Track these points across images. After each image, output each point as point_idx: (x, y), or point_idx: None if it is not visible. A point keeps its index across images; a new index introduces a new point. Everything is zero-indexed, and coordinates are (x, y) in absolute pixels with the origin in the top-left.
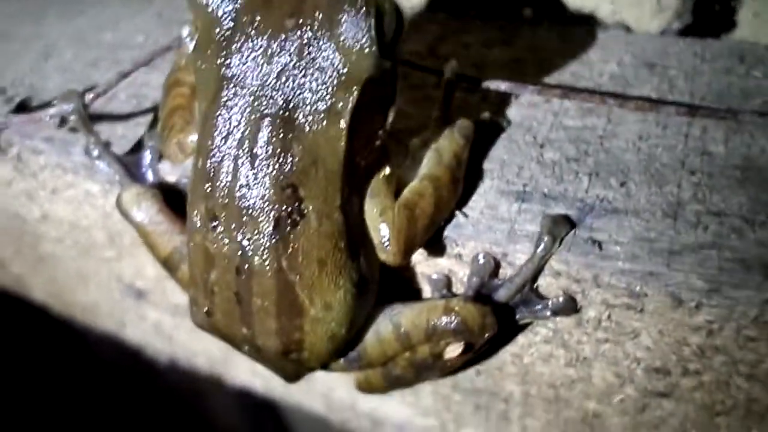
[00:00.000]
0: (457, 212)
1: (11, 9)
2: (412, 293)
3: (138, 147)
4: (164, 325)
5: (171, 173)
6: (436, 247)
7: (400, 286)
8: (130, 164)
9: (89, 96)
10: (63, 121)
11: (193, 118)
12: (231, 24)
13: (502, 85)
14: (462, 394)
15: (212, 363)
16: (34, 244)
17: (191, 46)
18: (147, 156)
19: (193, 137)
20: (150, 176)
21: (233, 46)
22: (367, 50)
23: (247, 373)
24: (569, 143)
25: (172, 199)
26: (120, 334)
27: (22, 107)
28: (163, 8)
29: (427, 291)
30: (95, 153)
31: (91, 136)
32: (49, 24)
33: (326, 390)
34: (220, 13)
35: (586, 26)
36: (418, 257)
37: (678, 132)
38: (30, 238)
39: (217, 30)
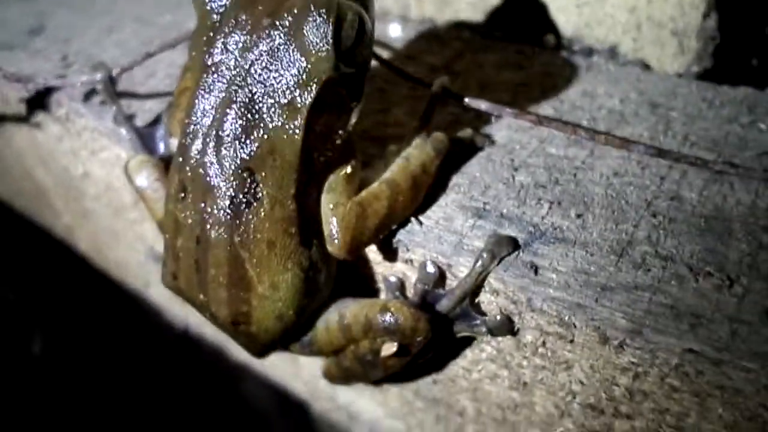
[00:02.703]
0: (413, 218)
1: None
2: (370, 292)
3: (156, 121)
4: None
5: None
6: (390, 249)
7: (360, 283)
8: (146, 136)
9: (116, 70)
10: (91, 93)
11: None
12: (218, 18)
13: (482, 105)
14: (423, 402)
15: (217, 334)
16: (78, 198)
17: None
18: (160, 131)
19: None
20: (161, 148)
21: (217, 38)
22: (324, 54)
23: None
24: (543, 170)
25: None
26: (144, 294)
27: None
28: None
29: (383, 291)
30: (119, 122)
31: (115, 107)
32: (119, 1)
33: (310, 377)
34: (211, 7)
35: (605, 59)
36: (378, 258)
37: (656, 173)
38: (75, 193)
39: (208, 22)
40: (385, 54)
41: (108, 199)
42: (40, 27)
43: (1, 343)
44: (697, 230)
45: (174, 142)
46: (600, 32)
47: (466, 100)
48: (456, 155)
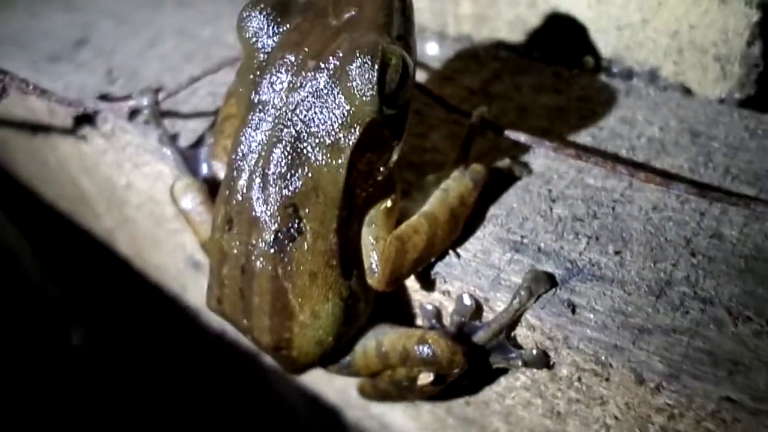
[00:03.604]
0: (451, 251)
1: None
2: (407, 318)
3: (199, 142)
4: None
5: (220, 170)
6: (427, 280)
7: (397, 309)
8: (189, 157)
9: (162, 94)
10: (135, 112)
11: None
12: (266, 58)
13: (522, 137)
14: (455, 420)
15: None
16: (120, 205)
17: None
18: (203, 152)
19: None
20: (204, 170)
21: (264, 77)
22: (368, 98)
23: None
24: (581, 202)
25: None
26: (182, 297)
27: (105, 96)
28: None
29: (420, 318)
30: (163, 143)
31: (160, 129)
32: (162, 12)
33: (343, 386)
34: (259, 46)
35: (645, 83)
36: (415, 286)
37: (696, 208)
38: (117, 201)
39: (255, 61)
40: (422, 74)
41: (149, 210)
42: (84, 38)
43: (43, 332)
44: (737, 271)
45: (217, 166)
46: (640, 55)
47: (506, 132)
48: (494, 185)
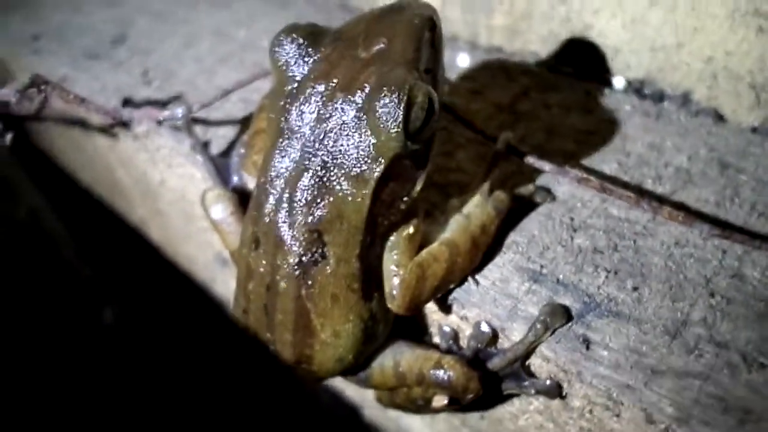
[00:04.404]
0: (470, 278)
1: None
2: (425, 336)
3: (230, 150)
4: None
5: (250, 181)
6: (446, 304)
7: (416, 328)
8: (220, 166)
9: (195, 106)
10: (162, 122)
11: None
12: (297, 86)
13: (546, 166)
14: (469, 431)
15: None
16: (154, 198)
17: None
18: (235, 162)
19: None
20: (234, 179)
21: (294, 105)
22: (394, 134)
23: None
24: (603, 233)
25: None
26: (211, 288)
27: (129, 101)
28: (292, 16)
29: (437, 338)
30: (195, 151)
31: (192, 139)
32: (199, 11)
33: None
34: (290, 74)
35: (677, 106)
36: (434, 307)
37: (718, 246)
38: (152, 194)
39: (287, 87)
40: (452, 87)
41: (181, 207)
42: (122, 36)
43: (77, 311)
44: (755, 315)
45: (247, 178)
46: (674, 78)
47: (529, 159)
48: (516, 211)
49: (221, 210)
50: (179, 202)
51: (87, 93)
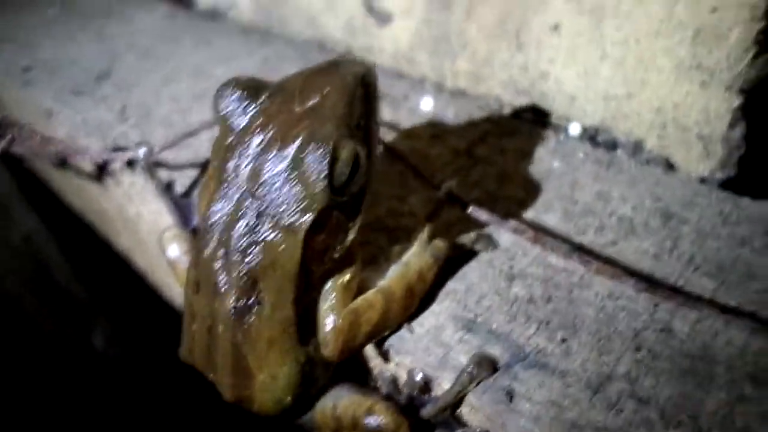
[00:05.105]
0: (405, 325)
1: (162, 25)
2: (371, 381)
3: (192, 190)
4: None
5: None
6: (383, 350)
7: (362, 371)
8: (182, 205)
9: (156, 148)
10: (131, 163)
11: None
12: (236, 136)
13: (483, 216)
14: None
15: None
16: (134, 228)
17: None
18: (195, 203)
19: None
20: (195, 219)
21: (233, 155)
22: (320, 188)
23: None
24: (540, 282)
25: None
26: None
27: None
28: (271, 55)
29: (379, 381)
30: (159, 194)
31: (153, 181)
32: (181, 48)
33: None
34: (229, 124)
35: (629, 154)
36: (374, 352)
37: (651, 299)
38: (131, 225)
39: (227, 138)
40: (411, 132)
41: (158, 238)
42: (107, 72)
43: (68, 333)
44: (679, 371)
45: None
46: (626, 126)
47: (470, 209)
48: (458, 258)
49: (176, 249)
50: (155, 233)
51: (69, 127)
